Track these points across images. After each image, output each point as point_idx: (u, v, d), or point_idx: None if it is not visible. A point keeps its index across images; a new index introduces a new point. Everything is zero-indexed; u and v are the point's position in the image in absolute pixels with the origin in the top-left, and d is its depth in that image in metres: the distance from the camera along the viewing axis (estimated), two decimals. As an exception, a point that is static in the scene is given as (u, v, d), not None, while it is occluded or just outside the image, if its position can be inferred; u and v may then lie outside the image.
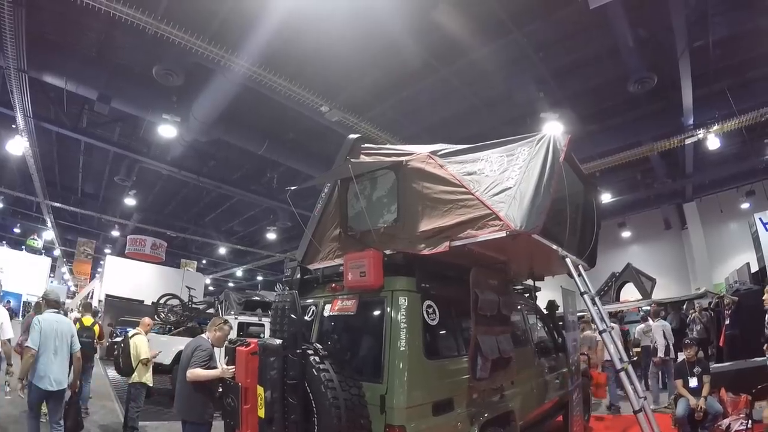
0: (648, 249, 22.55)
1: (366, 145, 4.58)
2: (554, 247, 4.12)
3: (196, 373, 4.47)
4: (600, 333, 4.18)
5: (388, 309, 3.73)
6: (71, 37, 9.88)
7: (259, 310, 11.47)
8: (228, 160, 15.52)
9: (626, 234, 22.54)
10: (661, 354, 9.76)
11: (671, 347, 10.08)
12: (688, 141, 12.27)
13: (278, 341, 3.57)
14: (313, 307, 4.50)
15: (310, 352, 3.45)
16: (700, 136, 11.88)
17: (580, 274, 4.33)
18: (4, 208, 22.78)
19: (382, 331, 3.69)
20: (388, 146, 4.36)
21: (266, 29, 8.17)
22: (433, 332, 3.92)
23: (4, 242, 26.30)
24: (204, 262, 32.53)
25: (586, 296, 4.14)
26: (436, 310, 3.95)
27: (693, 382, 6.79)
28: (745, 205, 18.14)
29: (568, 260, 4.16)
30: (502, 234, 3.35)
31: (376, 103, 11.39)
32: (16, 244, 27.08)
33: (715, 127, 11.56)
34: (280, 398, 3.41)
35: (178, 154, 14.33)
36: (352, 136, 4.63)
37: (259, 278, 35.51)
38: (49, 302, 5.70)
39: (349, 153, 4.61)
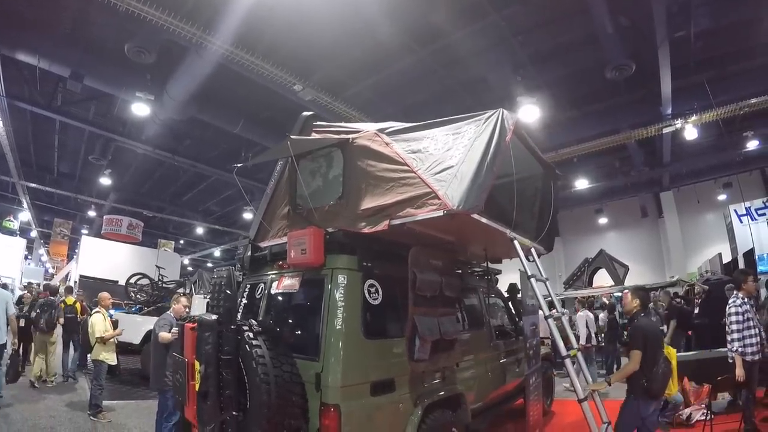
0: (624, 236, 22.85)
1: (318, 123, 4.51)
2: (501, 228, 4.08)
3: (160, 335, 5.51)
4: (545, 318, 4.17)
5: (328, 287, 3.70)
6: (44, 14, 9.62)
7: (233, 289, 11.40)
8: (203, 139, 15.37)
9: (603, 220, 22.78)
10: (582, 342, 9.96)
11: (593, 335, 10.53)
12: (665, 130, 12.49)
13: (214, 317, 3.56)
14: (263, 285, 4.47)
15: (245, 327, 3.44)
16: (678, 126, 12.09)
17: (528, 257, 4.31)
18: (-23, 189, 22.35)
19: (321, 308, 3.67)
20: (339, 124, 4.28)
21: (240, 7, 8.08)
22: (375, 312, 3.88)
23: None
24: (182, 242, 32.27)
25: (533, 280, 4.13)
26: (379, 289, 3.93)
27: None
28: (722, 197, 18.42)
29: (516, 242, 4.13)
30: (440, 213, 3.30)
31: (352, 83, 11.30)
32: (-9, 226, 26.58)
33: (693, 118, 11.78)
34: (215, 373, 3.39)
35: (153, 133, 14.13)
36: (305, 113, 4.56)
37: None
38: None
39: (301, 131, 4.55)
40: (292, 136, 3.96)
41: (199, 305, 10.77)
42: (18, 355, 7.93)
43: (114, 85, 11.30)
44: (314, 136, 4.40)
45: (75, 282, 17.64)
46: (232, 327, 3.43)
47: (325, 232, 3.85)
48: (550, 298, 4.86)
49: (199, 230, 27.42)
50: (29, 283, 14.24)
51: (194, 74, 10.34)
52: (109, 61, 10.60)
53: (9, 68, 10.69)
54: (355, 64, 10.58)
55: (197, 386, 3.54)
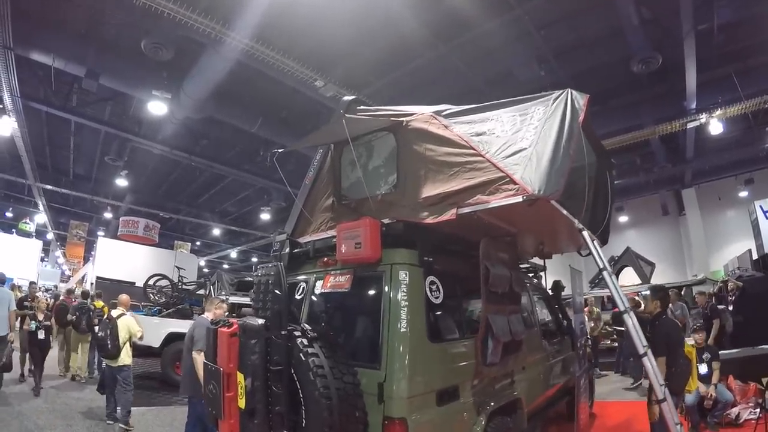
0: (645, 234, 22.50)
1: (362, 107, 4.14)
2: (571, 218, 3.70)
3: (196, 359, 4.90)
4: (621, 314, 3.80)
5: (387, 285, 3.30)
6: (58, 13, 9.54)
7: (252, 291, 11.17)
8: (221, 138, 15.18)
9: (624, 218, 22.48)
10: None
11: None
12: (690, 125, 12.24)
13: (260, 321, 3.14)
14: (304, 284, 4.07)
15: (297, 333, 3.03)
16: (703, 120, 11.88)
17: (581, 252, 3.96)
18: (-6, 192, 22.38)
19: (380, 310, 3.26)
20: (386, 108, 3.92)
21: (260, 1, 7.89)
22: (437, 312, 3.50)
23: (-7, 226, 25.81)
24: (198, 243, 32.12)
25: (605, 273, 3.76)
26: (440, 287, 3.53)
27: (702, 369, 6.55)
28: (743, 193, 18.24)
29: (585, 233, 3.75)
30: (519, 199, 2.92)
31: (373, 80, 11.08)
32: (9, 228, 26.59)
33: (718, 112, 11.56)
34: (262, 387, 2.99)
35: (170, 133, 13.98)
36: (347, 97, 4.21)
37: (254, 259, 35.13)
38: None
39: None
40: (346, 115, 3.56)
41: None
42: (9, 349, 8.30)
43: (130, 83, 11.19)
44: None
45: (91, 283, 17.52)
46: (283, 333, 3.01)
47: (381, 223, 3.45)
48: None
49: (216, 231, 27.18)
50: (32, 283, 14.21)
51: (211, 72, 10.17)
52: (125, 59, 10.49)
53: (23, 69, 10.56)
54: (377, 60, 10.38)
55: (242, 402, 3.13)
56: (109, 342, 6.52)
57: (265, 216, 21.38)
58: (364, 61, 10.39)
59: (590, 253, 4.52)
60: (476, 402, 3.54)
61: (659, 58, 9.64)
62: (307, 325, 3.15)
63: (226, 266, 34.78)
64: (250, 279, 12.37)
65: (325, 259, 3.89)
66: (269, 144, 14.55)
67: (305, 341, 2.97)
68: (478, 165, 3.17)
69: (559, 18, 9.34)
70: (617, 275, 15.56)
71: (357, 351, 3.35)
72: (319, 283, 3.88)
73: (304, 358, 2.89)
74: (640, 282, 14.67)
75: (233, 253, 33.07)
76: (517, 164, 3.04)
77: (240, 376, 3.19)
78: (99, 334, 6.66)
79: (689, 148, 15.14)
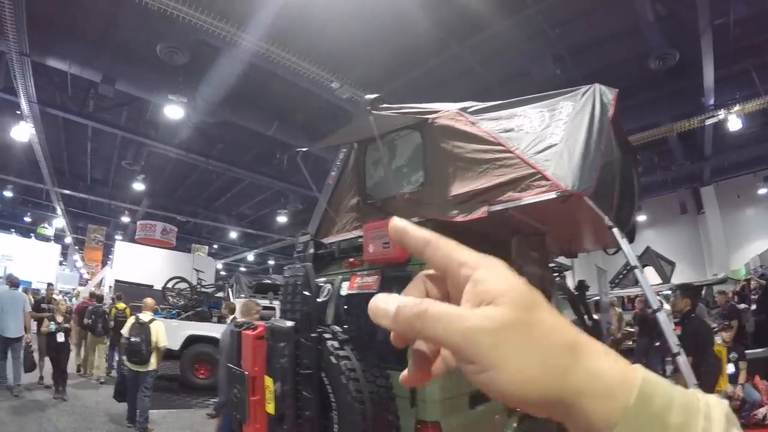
0: (663, 233, 22.18)
1: (384, 105, 4.09)
2: (602, 215, 3.61)
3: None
4: (654, 312, 3.70)
5: None
6: (74, 19, 9.62)
7: (270, 293, 11.21)
8: (237, 142, 15.22)
9: (641, 217, 22.07)
10: None
11: None
12: (708, 122, 12.04)
13: (289, 323, 3.07)
14: (329, 286, 3.99)
15: (327, 335, 2.94)
16: (721, 116, 11.69)
17: (607, 250, 3.87)
18: (14, 197, 22.67)
19: None
20: (409, 105, 3.86)
21: (273, 3, 7.92)
22: (466, 311, 3.42)
23: (13, 230, 26.16)
24: (215, 246, 32.32)
25: (637, 271, 3.66)
26: (469, 286, 3.46)
27: (729, 368, 6.41)
28: (762, 191, 17.97)
29: (616, 231, 3.65)
30: (552, 195, 2.85)
31: (388, 81, 11.04)
32: (27, 233, 26.98)
33: (736, 108, 11.38)
34: (292, 391, 2.92)
35: (186, 136, 14.08)
36: (370, 95, 4.15)
37: (271, 262, 35.27)
38: (13, 282, 9.04)
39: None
40: (373, 111, 3.50)
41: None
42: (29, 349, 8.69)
43: (146, 88, 11.31)
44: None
45: (110, 287, 17.67)
46: (313, 335, 2.93)
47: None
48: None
49: (233, 234, 27.32)
50: (49, 285, 14.48)
51: (227, 75, 10.22)
52: (141, 64, 10.57)
53: (40, 75, 10.67)
54: (392, 61, 10.36)
55: (270, 407, 3.05)
56: (143, 347, 6.45)
57: (281, 218, 21.42)
58: (379, 62, 10.37)
59: (617, 252, 4.43)
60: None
61: (676, 54, 9.54)
62: (337, 327, 3.07)
63: (242, 269, 34.94)
64: (268, 281, 12.39)
65: (351, 259, 3.82)
66: (285, 147, 14.59)
67: (336, 344, 2.89)
68: (508, 162, 3.10)
69: (574, 16, 9.25)
70: (637, 275, 15.34)
71: (387, 353, 3.27)
72: (344, 285, 3.81)
73: (335, 361, 2.80)
74: (661, 282, 14.46)
75: (250, 256, 33.19)
76: (548, 160, 2.96)
77: (268, 380, 3.12)
78: (133, 340, 6.49)
79: (707, 145, 14.91)
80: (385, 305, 0.43)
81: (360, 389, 2.71)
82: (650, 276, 15.30)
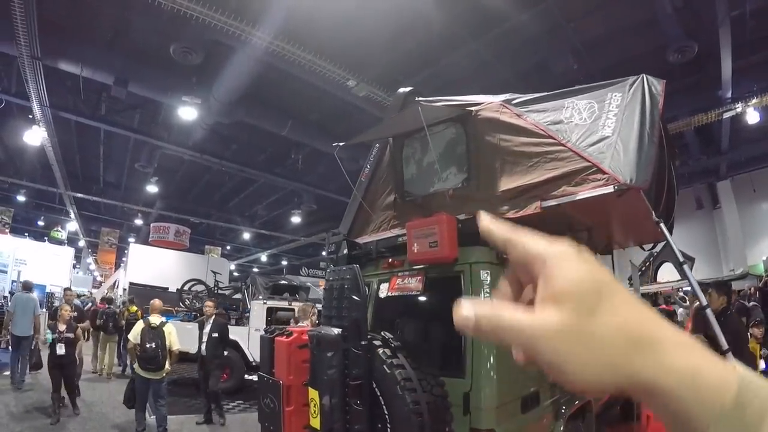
0: (679, 229, 21.50)
1: (421, 98, 3.94)
2: (651, 209, 3.48)
3: None
4: (702, 309, 3.58)
5: (468, 286, 3.05)
6: (85, 22, 9.55)
7: (287, 294, 11.10)
8: (251, 142, 15.09)
9: (656, 214, 21.85)
10: None
11: None
12: (725, 115, 11.80)
13: (336, 331, 2.87)
14: (365, 288, 3.92)
15: (377, 343, 2.77)
16: (738, 109, 11.42)
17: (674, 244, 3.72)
18: (27, 201, 22.74)
19: None
20: (446, 98, 3.72)
21: (288, 2, 7.81)
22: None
23: (26, 234, 26.25)
24: (228, 248, 32.24)
25: (685, 267, 3.55)
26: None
27: (761, 365, 6.25)
28: (779, 185, 17.43)
29: (663, 226, 3.52)
30: (609, 189, 2.72)
31: (404, 78, 10.84)
32: (41, 236, 27.07)
33: (754, 101, 11.12)
34: (340, 404, 2.75)
35: (200, 138, 13.99)
36: (403, 89, 4.02)
37: (284, 263, 35.27)
38: (26, 287, 10.16)
39: (402, 109, 3.99)
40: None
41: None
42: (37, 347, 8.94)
43: (159, 89, 11.20)
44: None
45: (124, 289, 17.69)
46: (363, 343, 2.75)
47: (457, 220, 3.20)
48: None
49: (246, 235, 27.19)
50: (66, 290, 14.52)
51: (241, 75, 10.09)
52: (153, 65, 10.47)
53: (52, 79, 10.55)
54: (408, 58, 10.19)
55: (316, 422, 2.89)
56: (159, 353, 6.20)
57: (295, 219, 21.31)
58: (396, 60, 10.20)
59: (653, 248, 4.31)
60: (554, 406, 3.36)
61: (695, 47, 9.34)
62: (387, 334, 2.90)
63: (256, 270, 34.90)
64: (284, 282, 12.29)
65: (390, 260, 3.68)
66: (300, 147, 14.49)
67: (388, 351, 2.72)
68: (559, 155, 2.97)
69: (591, 9, 9.10)
70: (656, 271, 15.15)
71: (437, 360, 3.15)
72: (384, 287, 3.64)
73: (388, 371, 2.63)
74: (680, 278, 14.23)
75: (263, 257, 33.14)
76: (602, 153, 2.83)
77: (313, 393, 2.95)
78: (147, 346, 6.16)
79: (724, 139, 14.63)
80: (465, 314, 0.43)
81: (417, 400, 2.54)
82: (669, 272, 15.12)
